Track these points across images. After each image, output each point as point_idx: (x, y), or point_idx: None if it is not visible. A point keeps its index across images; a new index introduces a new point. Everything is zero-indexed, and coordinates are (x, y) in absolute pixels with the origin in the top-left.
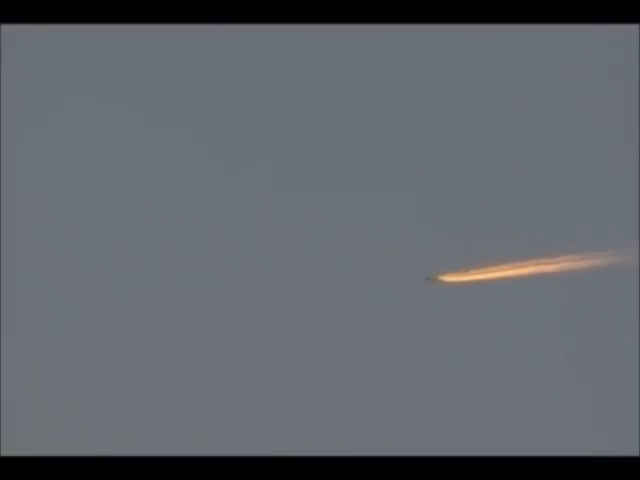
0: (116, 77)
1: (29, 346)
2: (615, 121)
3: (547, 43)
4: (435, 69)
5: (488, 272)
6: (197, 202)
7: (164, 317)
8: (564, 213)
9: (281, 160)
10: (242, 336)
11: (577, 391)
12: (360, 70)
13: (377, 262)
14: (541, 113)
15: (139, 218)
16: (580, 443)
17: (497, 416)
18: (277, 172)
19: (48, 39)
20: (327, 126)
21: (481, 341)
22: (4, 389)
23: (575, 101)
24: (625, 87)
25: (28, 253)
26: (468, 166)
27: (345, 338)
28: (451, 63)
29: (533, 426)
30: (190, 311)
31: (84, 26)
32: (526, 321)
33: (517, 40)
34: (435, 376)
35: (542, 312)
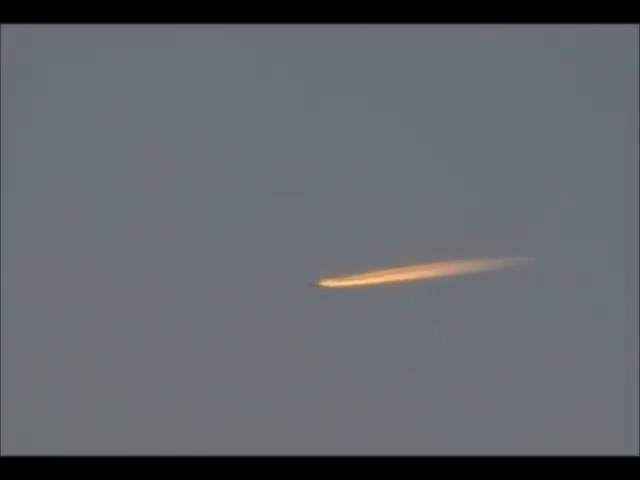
0: (116, 77)
1: (29, 346)
2: (615, 121)
3: (547, 43)
4: (435, 68)
5: (368, 278)
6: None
7: (165, 316)
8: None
9: None
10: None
11: (576, 390)
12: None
13: (261, 268)
14: (540, 113)
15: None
16: (580, 443)
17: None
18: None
19: (48, 39)
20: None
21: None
22: (4, 389)
23: (575, 101)
24: (625, 87)
25: (27, 255)
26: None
27: (230, 343)
28: (450, 63)
29: (532, 426)
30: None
31: (84, 26)
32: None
33: (516, 40)
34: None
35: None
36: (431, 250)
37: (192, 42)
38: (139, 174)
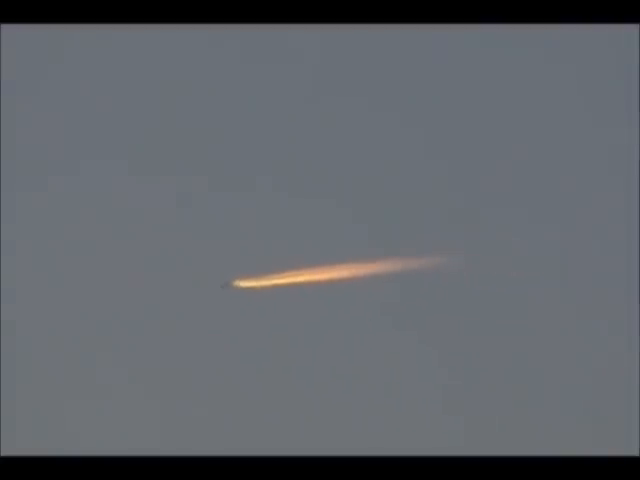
0: (115, 77)
1: (29, 346)
2: (615, 121)
3: (547, 43)
4: (435, 68)
5: (285, 277)
6: None
7: (166, 316)
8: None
9: None
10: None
11: (574, 391)
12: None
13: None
14: (539, 113)
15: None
16: (580, 443)
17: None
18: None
19: (48, 39)
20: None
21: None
22: (4, 389)
23: (574, 101)
24: (625, 87)
25: (27, 255)
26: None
27: (142, 343)
28: (450, 63)
29: (532, 426)
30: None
31: (84, 26)
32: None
33: (516, 40)
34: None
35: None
36: (356, 250)
37: (192, 42)
38: (139, 174)
